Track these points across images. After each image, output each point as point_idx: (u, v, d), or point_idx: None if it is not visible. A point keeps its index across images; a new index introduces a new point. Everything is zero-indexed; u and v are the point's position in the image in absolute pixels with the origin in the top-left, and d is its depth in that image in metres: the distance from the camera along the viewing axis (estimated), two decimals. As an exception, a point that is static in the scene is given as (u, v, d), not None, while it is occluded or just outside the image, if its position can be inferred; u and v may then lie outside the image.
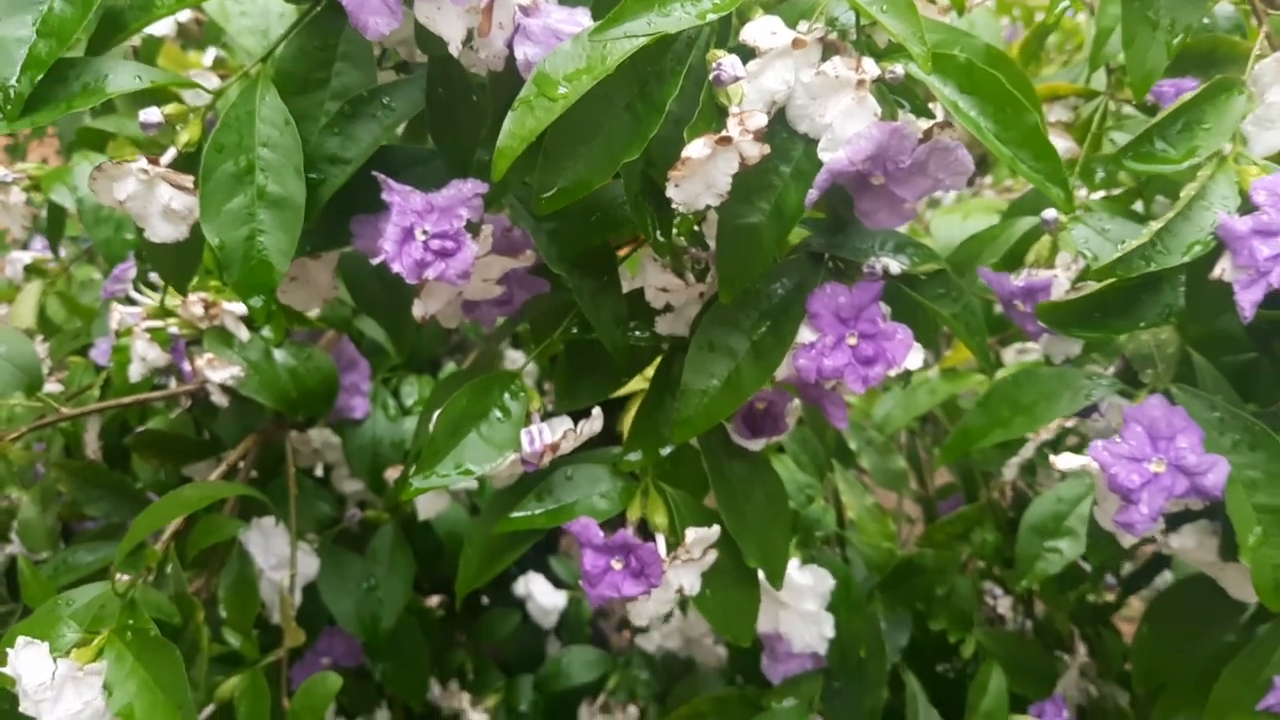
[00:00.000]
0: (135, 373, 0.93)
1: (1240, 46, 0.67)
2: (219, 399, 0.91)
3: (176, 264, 0.63)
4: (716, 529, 0.61)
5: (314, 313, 0.96)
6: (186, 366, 0.91)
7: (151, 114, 0.52)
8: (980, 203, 1.12)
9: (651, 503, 0.63)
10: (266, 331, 0.92)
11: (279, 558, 0.96)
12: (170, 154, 0.52)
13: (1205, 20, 0.76)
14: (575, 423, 0.61)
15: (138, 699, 0.59)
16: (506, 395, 0.62)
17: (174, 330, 0.92)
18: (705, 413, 0.59)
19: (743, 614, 0.66)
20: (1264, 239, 0.55)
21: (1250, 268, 0.56)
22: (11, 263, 1.22)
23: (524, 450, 0.60)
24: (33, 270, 1.22)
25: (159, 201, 0.55)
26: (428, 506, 0.98)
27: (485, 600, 1.28)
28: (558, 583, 1.23)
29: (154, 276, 0.99)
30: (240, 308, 0.91)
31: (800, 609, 0.82)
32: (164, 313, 0.93)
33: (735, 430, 0.65)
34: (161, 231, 0.57)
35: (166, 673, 0.59)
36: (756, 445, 0.65)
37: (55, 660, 0.58)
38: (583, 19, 0.50)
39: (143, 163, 0.50)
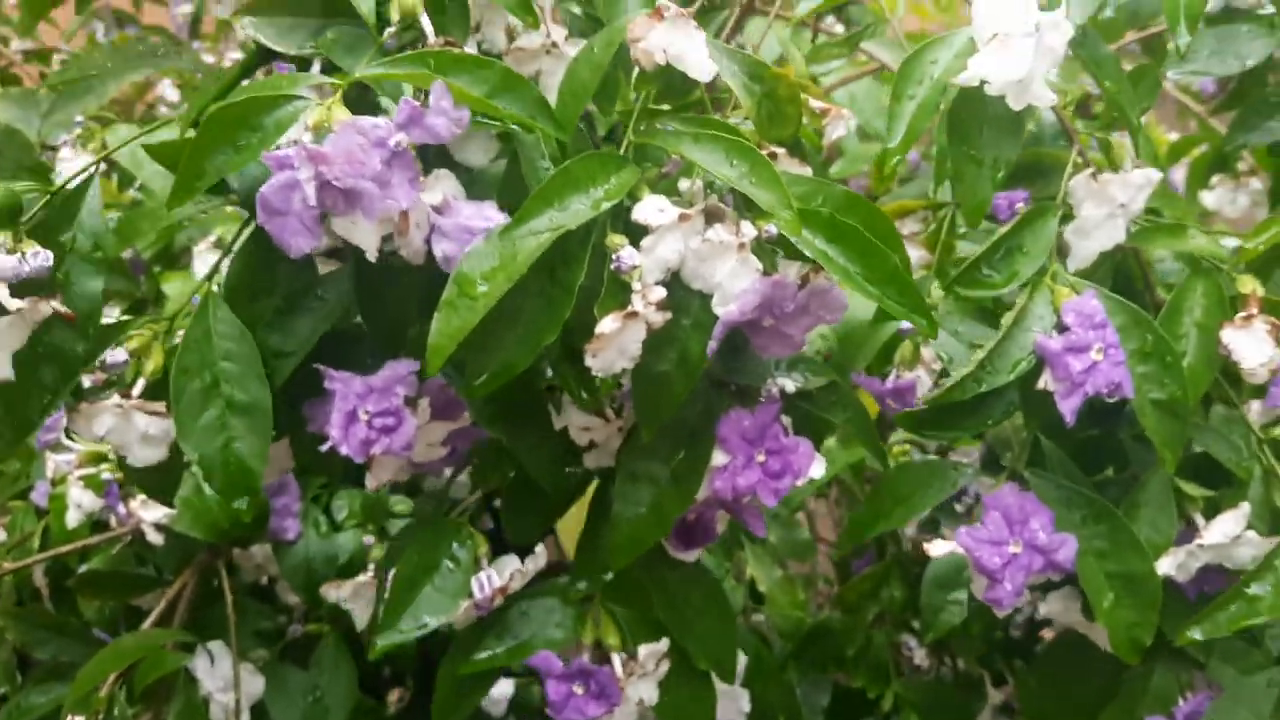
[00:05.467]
0: (72, 519, 0.95)
1: (1063, 156, 0.76)
2: (154, 537, 0.94)
3: (160, 481, 0.67)
4: (665, 642, 0.67)
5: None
6: (121, 509, 0.94)
7: (117, 354, 0.57)
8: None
9: (604, 625, 0.69)
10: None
11: (225, 680, 0.98)
12: (140, 385, 0.57)
13: (1032, 127, 0.86)
14: (521, 559, 0.66)
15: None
16: (455, 544, 0.67)
17: (107, 476, 0.95)
18: (638, 538, 0.65)
19: (698, 712, 0.72)
20: (1075, 355, 0.64)
21: (1066, 380, 0.65)
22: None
23: (476, 597, 0.66)
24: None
25: (137, 430, 0.60)
26: (364, 616, 1.02)
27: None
28: (506, 672, 1.26)
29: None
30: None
31: (716, 687, 0.88)
32: (97, 458, 0.95)
33: (671, 545, 0.70)
34: (143, 456, 0.61)
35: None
36: (691, 556, 0.71)
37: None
38: (490, 212, 0.56)
39: (116, 398, 0.55)
